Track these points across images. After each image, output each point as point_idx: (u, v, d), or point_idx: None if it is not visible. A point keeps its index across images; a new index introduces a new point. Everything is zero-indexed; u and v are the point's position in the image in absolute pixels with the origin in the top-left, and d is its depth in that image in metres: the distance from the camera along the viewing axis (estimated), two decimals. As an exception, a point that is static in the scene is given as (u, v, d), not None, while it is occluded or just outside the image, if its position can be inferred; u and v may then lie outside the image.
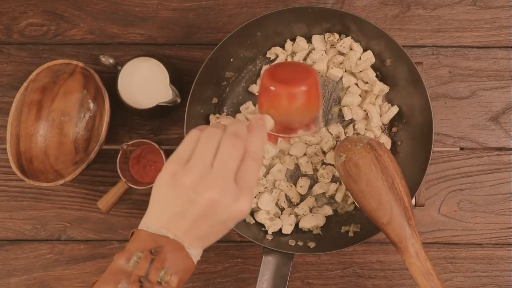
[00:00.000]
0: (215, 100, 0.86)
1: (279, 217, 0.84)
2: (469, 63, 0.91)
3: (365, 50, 0.85)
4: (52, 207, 0.91)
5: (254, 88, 0.86)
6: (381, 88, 0.83)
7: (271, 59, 0.86)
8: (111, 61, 0.83)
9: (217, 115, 0.85)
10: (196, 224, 0.55)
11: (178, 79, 0.86)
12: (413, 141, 0.83)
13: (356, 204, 0.72)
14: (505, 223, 0.90)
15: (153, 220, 0.56)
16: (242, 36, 0.82)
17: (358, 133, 0.84)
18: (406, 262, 0.66)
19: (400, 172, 0.69)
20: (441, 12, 0.92)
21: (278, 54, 0.85)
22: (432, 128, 0.79)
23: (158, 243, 0.54)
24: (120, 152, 0.84)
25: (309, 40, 0.86)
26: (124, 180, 0.85)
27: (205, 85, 0.83)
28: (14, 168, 0.83)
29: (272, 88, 0.62)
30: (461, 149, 0.91)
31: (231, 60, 0.85)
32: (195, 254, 0.56)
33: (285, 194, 0.85)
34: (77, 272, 0.90)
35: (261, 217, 0.83)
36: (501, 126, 0.91)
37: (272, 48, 0.86)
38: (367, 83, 0.85)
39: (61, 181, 0.82)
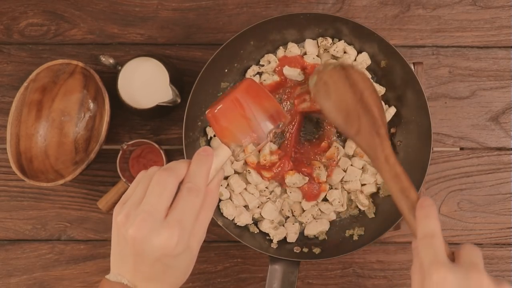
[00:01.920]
0: None
1: (283, 225, 0.84)
2: (469, 63, 0.91)
3: (359, 52, 0.85)
4: (52, 207, 0.91)
5: None
6: (377, 90, 0.83)
7: (264, 66, 0.86)
8: (111, 61, 0.83)
9: None
10: (136, 264, 0.55)
11: (178, 79, 0.86)
12: (412, 141, 0.83)
13: (330, 121, 0.75)
14: (505, 223, 0.90)
15: (111, 266, 0.57)
16: (236, 46, 0.82)
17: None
18: (376, 169, 0.67)
19: (373, 89, 0.72)
20: (441, 12, 0.92)
21: (270, 61, 0.85)
22: (431, 128, 0.79)
23: None
24: (120, 152, 0.84)
25: (301, 46, 0.86)
26: (124, 180, 0.85)
27: (201, 97, 0.82)
28: (14, 168, 0.83)
29: (209, 115, 0.63)
30: (461, 149, 0.91)
31: (225, 70, 0.85)
32: None
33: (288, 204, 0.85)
34: (77, 272, 0.90)
35: (265, 227, 0.83)
36: (501, 126, 0.91)
37: (265, 56, 0.86)
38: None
39: (61, 181, 0.82)
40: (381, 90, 0.84)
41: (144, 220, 0.53)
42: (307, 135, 0.86)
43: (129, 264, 0.55)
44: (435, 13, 0.92)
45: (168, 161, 0.86)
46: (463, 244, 0.57)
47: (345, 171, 0.83)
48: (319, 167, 0.83)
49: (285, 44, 0.86)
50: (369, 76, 0.84)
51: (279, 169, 0.83)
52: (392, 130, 0.85)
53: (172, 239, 0.53)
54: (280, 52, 0.86)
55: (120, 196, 0.87)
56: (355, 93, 0.70)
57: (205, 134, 0.85)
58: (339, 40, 0.85)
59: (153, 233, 0.53)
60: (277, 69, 0.85)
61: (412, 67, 0.83)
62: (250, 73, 0.86)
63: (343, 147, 0.84)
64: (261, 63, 0.86)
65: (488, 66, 0.91)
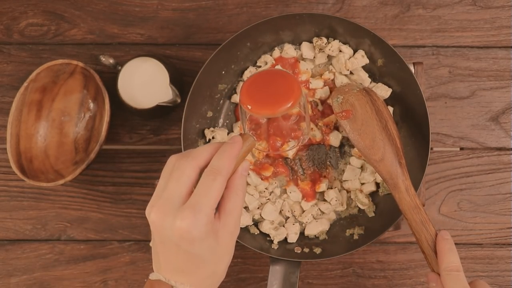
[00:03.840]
0: (210, 114, 0.86)
1: (283, 226, 0.84)
2: (469, 63, 0.91)
3: (355, 51, 0.85)
4: (52, 207, 0.91)
5: (237, 98, 0.86)
6: (384, 90, 0.83)
7: (261, 67, 0.86)
8: (111, 61, 0.83)
9: (212, 128, 0.85)
10: (164, 254, 0.55)
11: (178, 79, 0.87)
12: (411, 139, 0.82)
13: (352, 142, 0.75)
14: (505, 223, 0.90)
15: (153, 266, 0.59)
16: (232, 48, 0.82)
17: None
18: (396, 198, 0.69)
19: (392, 118, 0.74)
20: (441, 12, 0.92)
21: (267, 62, 0.85)
22: (429, 126, 0.78)
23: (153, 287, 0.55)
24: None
25: (297, 47, 0.86)
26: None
27: (199, 99, 0.82)
28: (14, 168, 0.83)
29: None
30: (461, 149, 0.91)
31: (223, 72, 0.85)
32: None
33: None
34: (77, 272, 0.90)
35: (265, 227, 0.83)
36: (501, 126, 0.91)
37: (262, 56, 0.86)
38: (360, 84, 0.85)
39: (61, 181, 0.82)
40: (388, 91, 0.84)
41: (162, 205, 0.53)
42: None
43: (160, 256, 0.56)
44: (435, 13, 0.92)
45: None
46: (477, 280, 0.60)
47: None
48: (312, 128, 0.84)
49: (281, 45, 0.86)
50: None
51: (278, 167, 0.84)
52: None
53: (185, 221, 0.52)
54: (276, 52, 0.86)
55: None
56: (381, 120, 0.72)
57: (204, 136, 0.85)
58: (334, 40, 0.85)
59: (169, 218, 0.52)
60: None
61: (412, 67, 0.83)
62: (247, 74, 0.86)
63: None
64: (258, 64, 0.86)
65: (488, 66, 0.91)
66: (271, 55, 0.86)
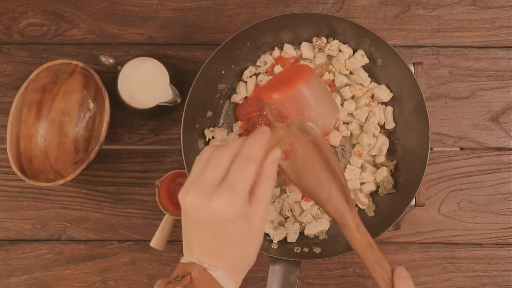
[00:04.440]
0: (210, 114, 0.85)
1: (283, 225, 0.84)
2: (469, 63, 0.91)
3: (355, 51, 0.85)
4: (52, 207, 0.91)
5: (236, 97, 0.86)
6: (386, 94, 0.83)
7: (261, 67, 0.86)
8: (111, 61, 0.83)
9: (212, 128, 0.85)
10: (199, 235, 0.57)
11: (178, 79, 0.86)
12: (411, 139, 0.82)
13: (295, 183, 0.73)
14: (505, 223, 0.90)
15: (184, 251, 0.60)
16: (232, 47, 0.82)
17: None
18: (347, 237, 0.67)
19: (333, 154, 0.70)
20: (441, 12, 0.92)
21: (267, 62, 0.85)
22: (428, 126, 0.78)
23: (185, 270, 0.56)
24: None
25: (297, 47, 0.86)
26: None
27: (199, 99, 0.82)
28: (14, 168, 0.83)
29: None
30: (461, 149, 0.91)
31: (223, 72, 0.85)
32: (222, 278, 0.57)
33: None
34: (77, 272, 0.90)
35: (265, 227, 0.83)
36: (501, 126, 0.91)
37: (262, 56, 0.86)
38: (360, 84, 0.85)
39: (61, 181, 0.82)
40: (388, 95, 0.84)
41: (199, 187, 0.55)
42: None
43: (193, 239, 0.57)
44: (435, 13, 0.92)
45: None
46: None
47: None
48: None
49: (281, 45, 0.86)
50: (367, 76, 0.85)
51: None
52: (390, 128, 0.85)
53: (221, 201, 0.54)
54: (276, 52, 0.86)
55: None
56: (323, 158, 0.67)
57: (203, 136, 0.85)
58: (333, 39, 0.85)
59: (206, 198, 0.54)
60: (269, 69, 0.85)
61: (412, 67, 0.83)
62: (247, 74, 0.86)
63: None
64: (257, 64, 0.86)
65: (488, 66, 0.91)
66: (271, 55, 0.86)
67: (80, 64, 0.84)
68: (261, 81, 0.85)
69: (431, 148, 0.91)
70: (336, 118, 0.84)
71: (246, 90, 0.86)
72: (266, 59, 0.85)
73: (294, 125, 0.68)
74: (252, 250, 0.59)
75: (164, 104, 0.81)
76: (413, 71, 0.82)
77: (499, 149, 0.91)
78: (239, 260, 0.58)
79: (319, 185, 0.67)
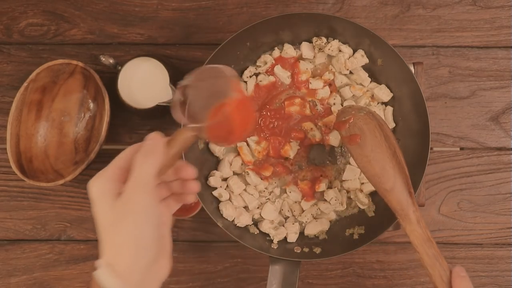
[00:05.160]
0: None
1: (283, 225, 0.84)
2: (469, 63, 0.91)
3: (355, 51, 0.85)
4: (52, 207, 0.91)
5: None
6: (386, 94, 0.83)
7: (261, 67, 0.86)
8: (111, 61, 0.83)
9: None
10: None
11: (178, 79, 0.86)
12: (411, 139, 0.82)
13: (360, 169, 0.71)
14: (505, 223, 0.90)
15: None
16: (232, 48, 0.82)
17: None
18: (406, 229, 0.65)
19: (398, 146, 0.70)
20: (441, 12, 0.92)
21: (267, 62, 0.85)
22: (428, 125, 0.78)
23: None
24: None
25: (297, 47, 0.86)
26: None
27: None
28: (14, 168, 0.83)
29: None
30: (461, 149, 0.91)
31: None
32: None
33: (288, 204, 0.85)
34: (77, 272, 0.90)
35: (265, 227, 0.83)
36: (501, 126, 0.91)
37: (262, 56, 0.86)
38: (360, 84, 0.85)
39: (61, 181, 0.82)
40: (388, 95, 0.84)
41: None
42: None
43: None
44: (435, 13, 0.92)
45: None
46: None
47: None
48: (311, 128, 0.84)
49: (281, 44, 0.86)
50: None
51: (278, 167, 0.84)
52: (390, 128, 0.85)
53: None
54: (276, 52, 0.86)
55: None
56: (390, 147, 0.68)
57: None
58: (333, 39, 0.85)
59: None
60: (269, 69, 0.85)
61: (412, 67, 0.83)
62: (247, 74, 0.85)
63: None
64: (257, 64, 0.86)
65: (488, 66, 0.91)
66: (271, 55, 0.86)
67: (80, 64, 0.84)
68: (261, 81, 0.85)
69: (431, 148, 0.91)
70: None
71: (246, 90, 0.86)
72: (266, 59, 0.85)
73: (364, 110, 0.69)
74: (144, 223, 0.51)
75: (164, 104, 0.81)
76: (413, 71, 0.82)
77: (499, 149, 0.91)
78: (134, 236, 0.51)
79: (384, 174, 0.66)
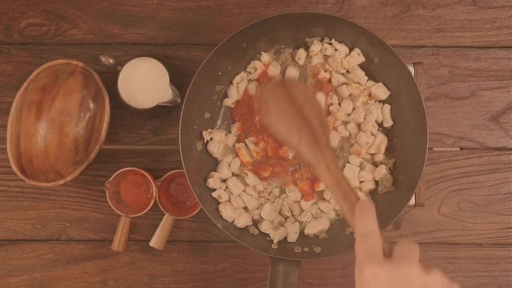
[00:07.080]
0: (207, 115, 0.85)
1: (283, 225, 0.84)
2: (469, 63, 0.91)
3: (351, 50, 0.85)
4: (52, 207, 0.91)
5: (228, 102, 0.86)
6: (383, 92, 0.83)
7: (251, 73, 0.85)
8: (111, 61, 0.83)
9: (210, 130, 0.85)
10: None
11: (178, 79, 0.87)
12: (409, 137, 0.82)
13: (273, 136, 0.78)
14: (505, 223, 0.90)
15: None
16: (229, 48, 0.81)
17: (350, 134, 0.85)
18: (320, 176, 0.69)
19: (314, 103, 0.76)
20: (441, 12, 0.92)
21: (257, 68, 0.85)
22: (426, 123, 0.78)
23: None
24: (107, 192, 0.85)
25: (296, 47, 0.86)
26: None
27: (196, 100, 0.82)
28: (14, 168, 0.83)
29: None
30: (461, 149, 0.91)
31: (219, 73, 0.84)
32: None
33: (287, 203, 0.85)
34: (77, 272, 0.90)
35: (265, 227, 0.83)
36: (501, 126, 0.91)
37: (252, 62, 0.85)
38: (357, 83, 0.85)
39: (61, 181, 0.82)
40: (386, 93, 0.84)
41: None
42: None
43: None
44: (435, 13, 0.92)
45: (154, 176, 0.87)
46: (400, 240, 0.58)
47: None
48: None
49: (278, 45, 0.86)
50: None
51: (277, 167, 0.84)
52: (388, 126, 0.85)
53: None
54: (264, 57, 0.85)
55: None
56: (294, 107, 0.74)
57: (202, 137, 0.85)
58: (330, 39, 0.85)
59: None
60: (259, 78, 0.85)
61: (412, 67, 0.83)
62: (237, 79, 0.85)
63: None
64: (248, 69, 0.86)
65: (488, 66, 0.91)
66: (260, 61, 0.85)
67: (80, 64, 0.84)
68: (251, 89, 0.85)
69: (431, 148, 0.91)
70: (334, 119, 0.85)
71: (238, 93, 0.85)
72: (256, 65, 0.85)
73: (271, 82, 0.77)
74: None
75: (164, 104, 0.81)
76: (413, 71, 0.82)
77: (499, 149, 0.91)
78: None
79: (290, 132, 0.72)
